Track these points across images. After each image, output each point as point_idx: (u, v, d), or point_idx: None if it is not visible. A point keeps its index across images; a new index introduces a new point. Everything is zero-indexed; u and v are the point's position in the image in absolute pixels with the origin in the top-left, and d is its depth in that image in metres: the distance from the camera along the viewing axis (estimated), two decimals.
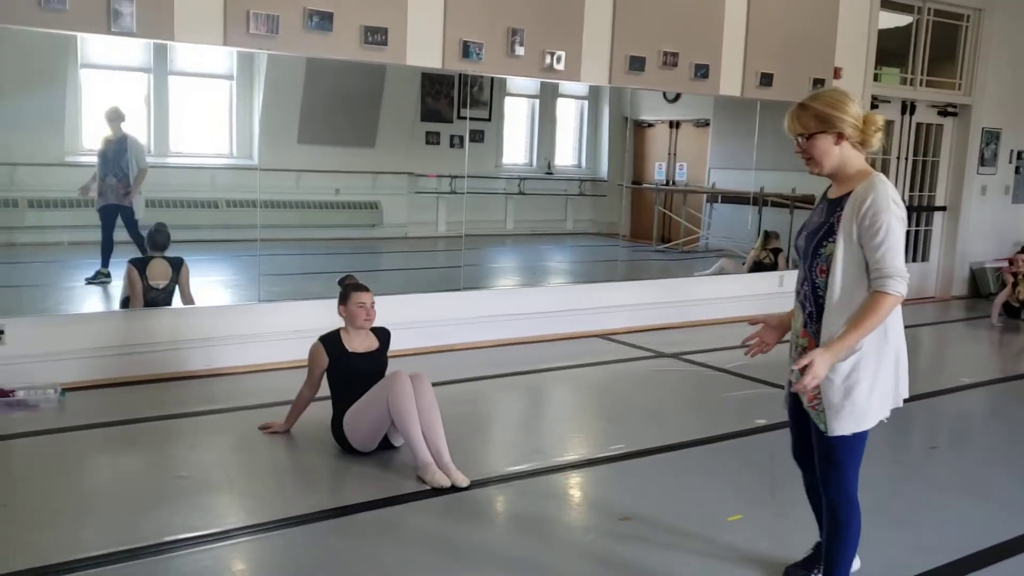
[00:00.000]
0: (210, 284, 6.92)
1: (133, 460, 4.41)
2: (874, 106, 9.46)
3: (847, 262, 2.71)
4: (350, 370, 4.45)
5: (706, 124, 11.12)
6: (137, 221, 6.79)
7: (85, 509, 3.74)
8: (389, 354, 4.68)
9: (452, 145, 10.07)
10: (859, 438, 2.81)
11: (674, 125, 11.50)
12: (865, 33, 9.11)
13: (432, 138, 10.20)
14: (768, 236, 9.54)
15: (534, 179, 11.90)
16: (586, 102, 11.97)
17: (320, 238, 10.20)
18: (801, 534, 3.67)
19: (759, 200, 10.07)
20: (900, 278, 2.65)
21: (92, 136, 8.79)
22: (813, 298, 2.83)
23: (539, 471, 4.37)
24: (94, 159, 8.77)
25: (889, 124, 9.91)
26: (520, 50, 6.88)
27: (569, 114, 12.16)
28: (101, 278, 6.79)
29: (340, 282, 4.66)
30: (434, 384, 4.36)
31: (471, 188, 10.52)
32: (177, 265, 6.12)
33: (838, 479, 2.86)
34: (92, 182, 6.88)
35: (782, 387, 6.05)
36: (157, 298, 6.03)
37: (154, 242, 6.17)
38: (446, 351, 6.82)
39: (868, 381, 2.73)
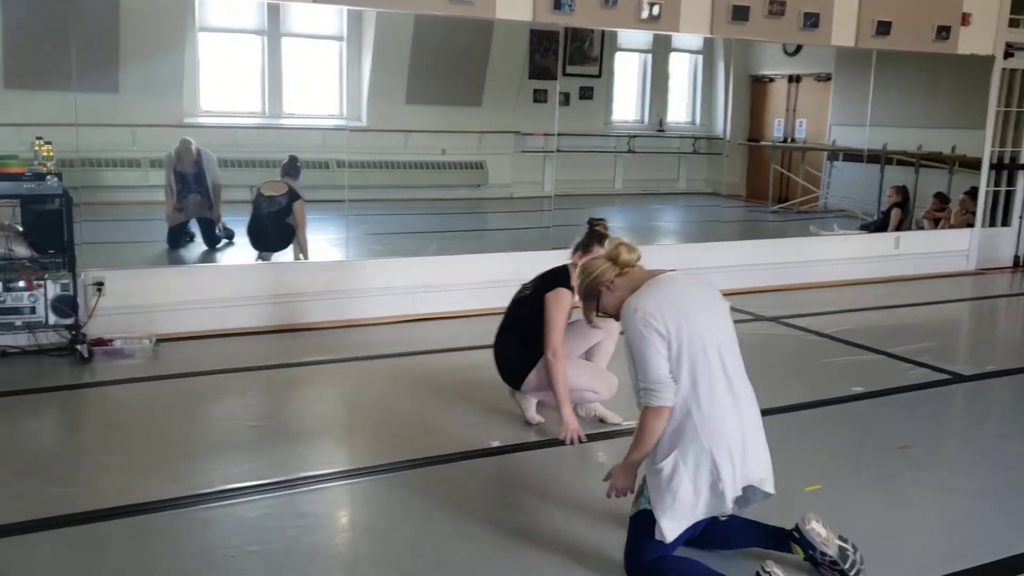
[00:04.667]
0: (315, 243, 7.01)
1: (215, 408, 4.58)
2: (1008, 55, 8.77)
3: (633, 375, 2.85)
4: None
5: (828, 78, 10.60)
6: (217, 234, 7.16)
7: (167, 456, 3.87)
8: None
9: (559, 103, 9.93)
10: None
11: (794, 79, 11.01)
12: None
13: (540, 96, 10.06)
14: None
15: (645, 137, 11.64)
16: (700, 56, 11.59)
17: (426, 198, 10.27)
18: (877, 509, 3.50)
19: (882, 158, 9.56)
20: (652, 391, 2.72)
21: (209, 98, 9.12)
22: None
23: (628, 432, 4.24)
24: (211, 120, 9.11)
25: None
26: None
27: (682, 69, 11.81)
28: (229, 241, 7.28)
29: (590, 223, 4.45)
30: None
31: (580, 147, 10.39)
32: (295, 196, 6.57)
33: (644, 553, 2.84)
34: (171, 199, 7.07)
35: (884, 353, 5.81)
36: (263, 206, 6.59)
37: (284, 169, 6.76)
38: None
39: (690, 482, 2.74)
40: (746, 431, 2.80)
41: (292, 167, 6.78)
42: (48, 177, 4.78)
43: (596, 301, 2.96)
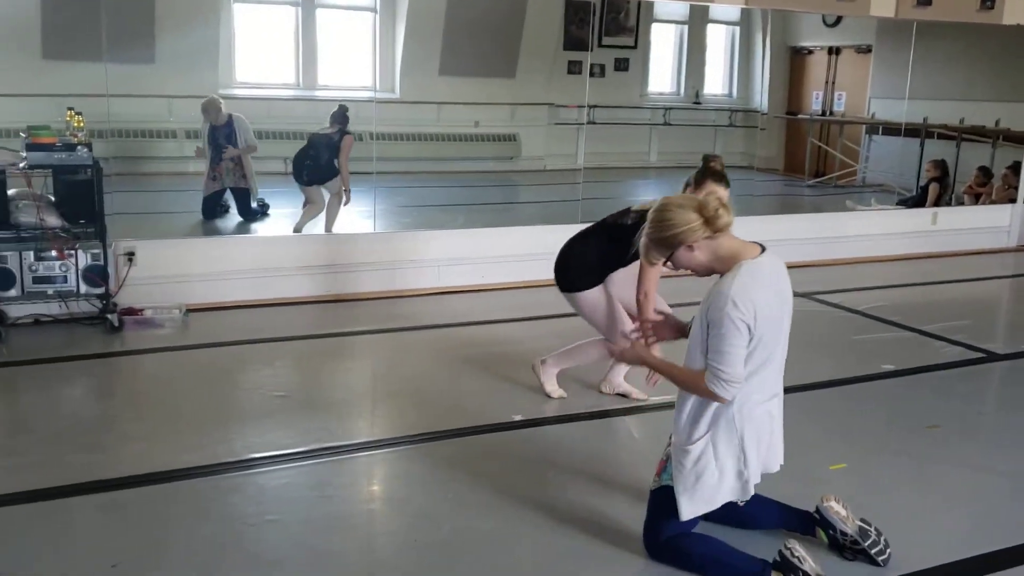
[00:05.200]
0: (345, 214, 7.00)
1: (241, 378, 4.61)
2: None
3: (695, 338, 2.73)
4: None
5: (868, 50, 10.38)
6: (252, 205, 7.25)
7: (192, 424, 3.91)
8: None
9: (593, 74, 9.81)
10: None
11: (834, 51, 10.81)
12: None
13: (574, 67, 9.97)
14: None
15: (681, 109, 11.50)
16: (737, 28, 11.41)
17: (458, 171, 10.24)
18: (902, 489, 3.45)
19: (922, 132, 9.36)
20: (724, 382, 2.61)
21: (244, 70, 9.16)
22: None
23: (659, 406, 4.20)
24: (247, 91, 9.15)
25: None
26: None
27: (720, 41, 11.64)
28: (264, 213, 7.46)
29: (705, 159, 4.29)
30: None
31: (615, 119, 10.28)
32: (342, 134, 6.80)
33: (663, 529, 2.85)
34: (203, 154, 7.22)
35: (918, 331, 5.71)
36: (313, 139, 6.89)
37: (333, 118, 6.87)
38: None
39: (716, 467, 2.73)
40: (774, 422, 2.81)
41: (342, 116, 6.87)
42: (79, 148, 4.82)
43: (671, 252, 2.71)
